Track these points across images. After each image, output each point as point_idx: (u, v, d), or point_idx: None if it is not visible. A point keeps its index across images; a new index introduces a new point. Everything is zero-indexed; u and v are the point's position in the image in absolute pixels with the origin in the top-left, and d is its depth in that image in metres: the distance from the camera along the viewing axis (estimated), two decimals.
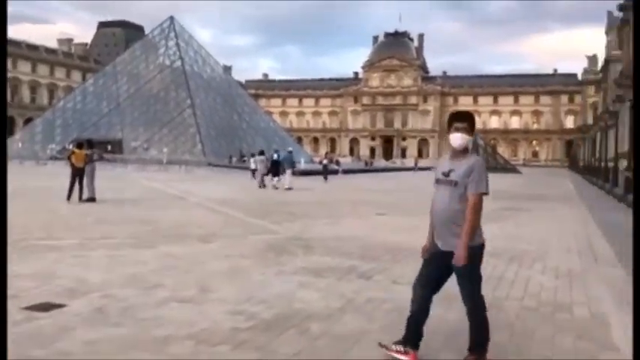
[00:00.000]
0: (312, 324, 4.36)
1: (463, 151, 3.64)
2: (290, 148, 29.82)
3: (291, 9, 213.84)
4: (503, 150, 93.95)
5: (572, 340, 4.11)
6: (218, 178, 29.59)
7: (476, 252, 3.56)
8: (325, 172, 30.11)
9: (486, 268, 6.76)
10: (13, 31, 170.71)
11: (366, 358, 3.66)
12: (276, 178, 22.49)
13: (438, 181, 3.68)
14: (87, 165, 14.00)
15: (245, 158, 46.41)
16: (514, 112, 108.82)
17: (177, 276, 5.97)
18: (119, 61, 63.98)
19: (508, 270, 6.73)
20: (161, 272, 6.12)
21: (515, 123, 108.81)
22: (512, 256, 7.62)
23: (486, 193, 3.54)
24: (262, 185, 22.61)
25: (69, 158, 14.10)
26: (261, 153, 25.81)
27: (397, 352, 3.67)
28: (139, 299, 4.98)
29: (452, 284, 5.74)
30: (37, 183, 20.72)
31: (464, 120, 3.64)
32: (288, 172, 22.46)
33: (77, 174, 13.82)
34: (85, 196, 13.89)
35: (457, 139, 3.61)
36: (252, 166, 28.48)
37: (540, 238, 9.71)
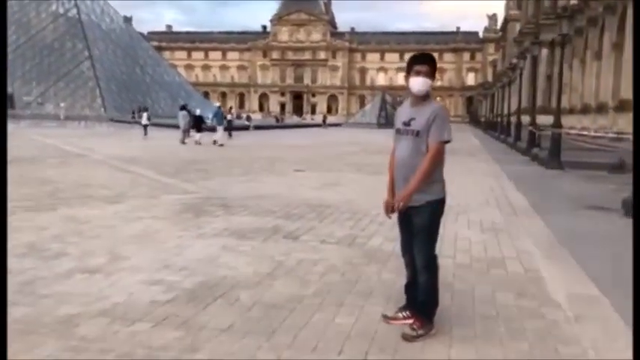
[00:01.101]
0: (241, 292, 3.97)
1: (424, 98, 3.31)
2: (218, 104, 29.23)
3: None
4: None
5: (513, 297, 4.01)
6: (121, 134, 27.99)
7: (436, 207, 3.32)
8: (230, 127, 28.85)
9: None
10: None
11: (304, 326, 3.35)
12: (198, 134, 22.34)
13: (398, 131, 3.37)
14: None
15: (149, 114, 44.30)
16: None
17: (83, 242, 5.35)
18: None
19: None
20: (64, 239, 5.46)
21: None
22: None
23: (448, 141, 3.26)
24: (184, 142, 22.14)
25: None
26: (183, 108, 25.10)
27: (404, 318, 3.42)
28: (39, 272, 4.36)
29: (381, 241, 5.57)
30: None
31: (424, 62, 3.30)
32: (220, 128, 22.31)
33: None
34: None
35: (417, 83, 3.27)
36: (144, 121, 27.26)
37: (458, 191, 9.78)
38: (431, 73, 3.28)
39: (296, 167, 13.56)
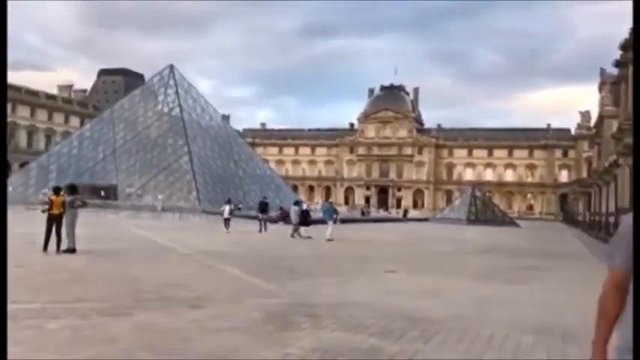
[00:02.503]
0: None
1: None
2: (331, 200, 29.19)
3: (290, 61, 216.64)
4: (498, 202, 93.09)
5: None
6: (212, 227, 28.17)
7: None
8: (306, 222, 26.03)
9: (535, 350, 5.51)
10: (16, 78, 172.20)
11: None
12: (305, 228, 22.43)
13: None
14: (67, 212, 12.71)
15: (240, 206, 45.26)
16: (508, 165, 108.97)
17: None
18: (117, 108, 63.53)
19: (568, 354, 5.44)
20: (134, 353, 4.81)
21: (509, 176, 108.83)
22: (564, 334, 6.33)
23: None
24: (294, 235, 22.27)
25: (49, 206, 12.74)
26: (296, 203, 25.46)
27: None
28: None
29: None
30: (18, 229, 19.30)
31: None
32: (330, 222, 22.23)
33: (53, 222, 12.49)
34: (64, 246, 12.54)
35: None
36: (225, 215, 25.32)
37: (579, 306, 8.41)
38: None
39: (386, 267, 12.60)
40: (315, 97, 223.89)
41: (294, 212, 23.42)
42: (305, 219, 22.90)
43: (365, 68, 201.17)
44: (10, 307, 6.46)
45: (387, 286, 9.80)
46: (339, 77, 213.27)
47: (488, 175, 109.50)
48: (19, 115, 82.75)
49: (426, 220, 59.22)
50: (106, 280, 8.92)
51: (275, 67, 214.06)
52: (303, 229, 22.35)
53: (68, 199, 12.88)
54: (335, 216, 23.49)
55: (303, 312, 6.97)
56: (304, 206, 25.09)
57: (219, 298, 7.86)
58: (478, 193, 60.13)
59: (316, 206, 42.05)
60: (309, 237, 21.73)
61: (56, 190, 13.14)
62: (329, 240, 20.71)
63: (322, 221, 26.41)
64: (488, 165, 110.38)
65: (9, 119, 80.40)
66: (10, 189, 52.48)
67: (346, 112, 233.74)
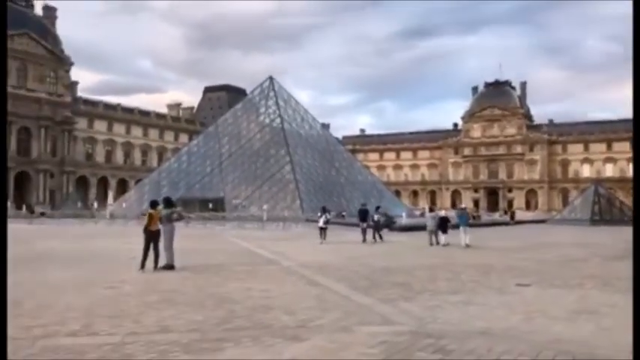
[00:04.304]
0: None
1: None
2: (463, 205, 28.53)
3: (388, 66, 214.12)
4: (622, 200, 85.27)
5: None
6: (315, 236, 27.23)
7: None
8: (380, 226, 24.85)
9: None
10: (129, 101, 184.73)
11: None
12: (444, 236, 21.49)
13: None
14: (165, 226, 12.12)
15: (344, 213, 44.30)
16: (632, 159, 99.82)
17: None
18: (221, 122, 65.28)
19: None
20: None
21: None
22: None
23: None
24: (435, 243, 21.40)
25: (149, 221, 12.12)
26: (431, 210, 24.84)
27: None
28: None
29: None
30: (124, 245, 19.42)
31: None
32: (463, 229, 21.44)
33: (152, 238, 11.91)
34: (162, 263, 11.94)
35: None
36: (321, 224, 23.21)
37: None
38: None
39: (518, 280, 10.78)
40: (415, 100, 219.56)
41: (430, 218, 22.70)
42: (444, 225, 21.87)
43: (467, 66, 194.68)
44: (84, 342, 5.60)
45: (525, 304, 8.07)
46: (440, 78, 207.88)
47: (609, 171, 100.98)
48: (133, 135, 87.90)
49: (543, 222, 54.97)
50: (199, 303, 7.95)
51: (373, 72, 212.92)
52: (443, 237, 21.34)
53: (165, 212, 12.31)
54: (468, 221, 22.57)
55: (429, 346, 5.52)
56: (442, 212, 24.44)
57: (324, 325, 6.58)
58: (602, 190, 54.94)
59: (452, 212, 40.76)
60: (440, 244, 21.05)
61: (153, 205, 12.57)
62: (467, 246, 20.03)
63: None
64: (607, 160, 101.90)
65: (124, 140, 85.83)
66: (124, 205, 55.33)
67: (448, 113, 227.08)
